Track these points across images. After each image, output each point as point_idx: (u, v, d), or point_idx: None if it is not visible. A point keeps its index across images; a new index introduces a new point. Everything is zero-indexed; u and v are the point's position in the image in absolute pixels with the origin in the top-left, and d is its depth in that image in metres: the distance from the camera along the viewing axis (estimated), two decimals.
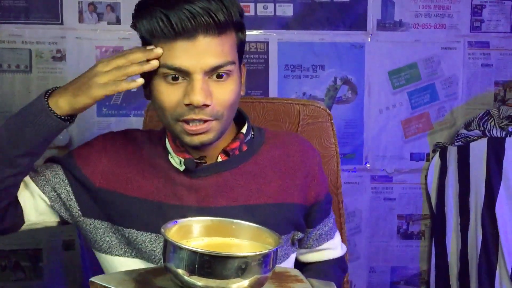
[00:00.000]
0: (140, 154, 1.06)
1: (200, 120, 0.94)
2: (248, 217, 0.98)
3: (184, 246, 0.62)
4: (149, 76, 0.97)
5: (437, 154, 2.13)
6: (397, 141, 2.17)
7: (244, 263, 0.62)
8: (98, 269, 1.05)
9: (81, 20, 1.99)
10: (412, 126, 2.17)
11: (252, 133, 1.09)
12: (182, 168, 1.02)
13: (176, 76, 0.93)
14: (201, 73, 0.92)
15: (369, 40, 2.11)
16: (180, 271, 0.63)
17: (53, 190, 1.01)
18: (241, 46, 0.99)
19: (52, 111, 0.92)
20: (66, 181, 1.02)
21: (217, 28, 0.91)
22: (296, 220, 1.07)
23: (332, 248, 1.17)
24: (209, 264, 0.61)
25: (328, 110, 1.32)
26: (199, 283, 0.62)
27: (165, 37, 0.91)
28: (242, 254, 0.63)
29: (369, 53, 2.11)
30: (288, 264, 1.09)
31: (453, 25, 2.14)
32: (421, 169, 2.18)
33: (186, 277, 0.62)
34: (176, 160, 1.03)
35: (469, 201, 1.95)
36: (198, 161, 1.02)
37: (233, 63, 0.95)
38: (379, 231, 2.19)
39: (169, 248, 0.63)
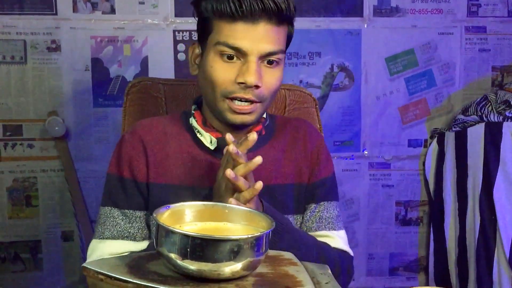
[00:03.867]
0: (164, 142, 1.08)
1: (247, 101, 0.99)
2: (271, 197, 1.05)
3: (176, 230, 0.62)
4: (203, 52, 1.03)
5: (435, 140, 2.13)
6: (395, 128, 2.17)
7: (237, 246, 0.62)
8: None
9: (75, 10, 1.98)
10: (409, 112, 2.16)
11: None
12: (213, 146, 1.06)
13: (232, 55, 0.98)
14: (257, 56, 0.98)
15: (365, 26, 2.10)
16: (172, 255, 0.62)
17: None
18: (289, 39, 1.05)
19: None
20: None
21: (278, 17, 0.98)
22: (300, 202, 1.11)
23: (333, 237, 1.15)
24: (201, 247, 0.61)
25: (313, 96, 1.32)
26: (192, 267, 0.62)
27: (230, 17, 0.96)
28: (234, 237, 0.63)
29: (366, 40, 2.10)
30: None
31: (450, 10, 2.12)
32: (419, 155, 2.18)
33: (179, 261, 0.62)
34: (206, 139, 1.07)
35: (467, 187, 1.94)
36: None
37: (284, 52, 1.02)
38: (377, 218, 2.19)
39: (161, 232, 0.63)
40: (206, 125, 1.08)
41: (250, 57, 0.97)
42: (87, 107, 2.04)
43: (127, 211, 1.04)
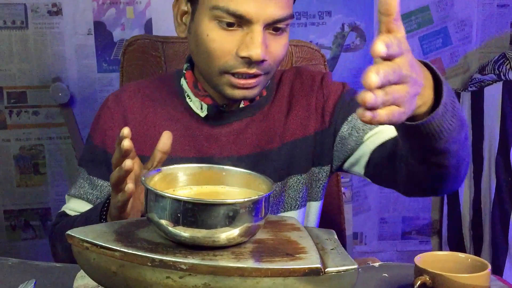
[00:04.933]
0: (151, 109, 0.98)
1: (250, 75, 0.87)
2: (269, 162, 0.96)
3: (166, 194, 0.56)
4: (193, 12, 0.89)
5: None
6: None
7: (232, 210, 0.56)
8: None
9: None
10: None
11: None
12: (203, 114, 0.96)
13: (232, 22, 0.85)
14: (262, 24, 0.84)
15: None
16: (163, 221, 0.57)
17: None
18: (294, 2, 0.92)
19: None
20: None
21: None
22: (317, 152, 0.99)
23: (385, 130, 0.96)
24: (194, 213, 0.55)
25: (321, 52, 1.24)
26: (184, 234, 0.56)
27: None
28: (229, 201, 0.57)
29: None
30: (306, 215, 1.01)
31: None
32: None
33: (170, 228, 0.56)
34: (196, 105, 0.96)
35: (483, 148, 1.88)
36: (220, 107, 0.95)
37: (292, 17, 0.89)
38: None
39: (150, 197, 0.57)
40: (197, 87, 0.96)
41: (255, 25, 0.84)
42: (91, 73, 2.00)
43: (91, 177, 0.97)
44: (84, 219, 0.86)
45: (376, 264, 0.91)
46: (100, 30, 1.95)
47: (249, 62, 0.86)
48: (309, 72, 1.05)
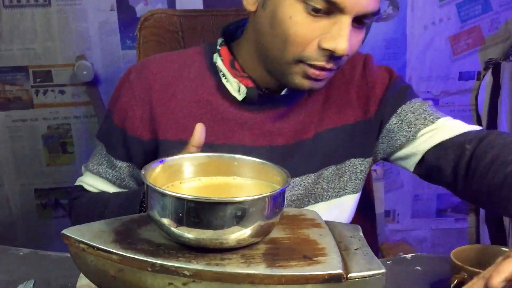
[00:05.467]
0: (178, 87, 0.88)
1: (326, 68, 0.78)
2: (303, 153, 0.88)
3: (166, 192, 0.49)
4: None
5: (489, 71, 1.94)
6: (444, 60, 1.95)
7: (240, 209, 0.49)
8: None
9: None
10: (461, 42, 1.94)
11: None
12: (240, 97, 0.85)
13: (320, 8, 0.75)
14: (353, 16, 0.75)
15: None
16: (165, 221, 0.50)
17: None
18: None
19: None
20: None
21: None
22: (357, 143, 0.92)
23: (443, 127, 0.87)
24: (197, 212, 0.49)
25: None
26: (189, 235, 0.50)
27: None
28: (236, 199, 0.50)
29: None
30: (341, 208, 0.94)
31: None
32: (471, 90, 1.98)
33: (173, 229, 0.50)
34: (233, 86, 0.86)
35: None
36: (260, 91, 0.86)
37: (379, 12, 0.79)
38: None
39: (150, 194, 0.51)
40: (234, 67, 0.86)
41: (345, 16, 0.74)
42: (115, 50, 1.94)
43: (110, 156, 0.90)
44: (117, 207, 0.81)
45: (408, 256, 0.83)
46: (123, 5, 1.89)
47: (330, 55, 0.76)
48: (350, 63, 0.95)
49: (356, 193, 0.95)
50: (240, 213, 0.49)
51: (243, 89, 0.85)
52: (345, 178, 0.93)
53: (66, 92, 1.97)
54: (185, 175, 0.59)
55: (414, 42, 1.93)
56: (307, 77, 0.79)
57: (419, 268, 0.79)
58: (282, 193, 0.53)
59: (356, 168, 0.93)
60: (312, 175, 0.90)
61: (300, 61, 0.78)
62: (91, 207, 0.89)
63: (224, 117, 0.87)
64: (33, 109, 1.98)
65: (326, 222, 0.60)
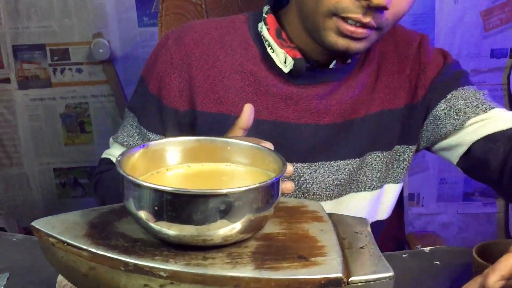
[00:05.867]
0: (219, 56, 0.82)
1: (362, 24, 0.71)
2: (349, 136, 0.82)
3: (140, 182, 0.43)
4: None
5: None
6: (475, 36, 1.83)
7: (226, 203, 0.42)
8: None
9: None
10: (493, 17, 1.82)
11: None
12: (287, 69, 0.79)
13: None
14: None
15: None
16: (142, 215, 0.44)
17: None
18: None
19: None
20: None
21: None
22: (404, 129, 0.85)
23: (496, 117, 0.80)
24: (176, 206, 0.42)
25: None
26: (168, 231, 0.43)
27: None
28: (220, 191, 0.43)
29: None
30: (381, 198, 0.87)
31: None
32: (503, 68, 1.86)
33: (151, 223, 0.44)
34: (279, 56, 0.79)
35: None
36: (308, 64, 0.79)
37: None
38: None
39: (125, 184, 0.45)
40: (281, 37, 0.79)
41: None
42: (132, 27, 1.89)
43: (142, 128, 0.83)
44: None
45: (427, 249, 0.75)
46: None
47: (366, 6, 0.69)
48: (405, 33, 0.87)
49: (398, 183, 0.88)
50: (225, 206, 0.43)
51: (290, 61, 0.78)
52: (390, 166, 0.86)
53: (83, 70, 1.94)
54: (172, 161, 0.52)
55: (443, 17, 1.82)
56: (341, 34, 0.72)
57: (438, 262, 0.71)
58: (276, 183, 0.46)
59: (400, 156, 0.86)
60: (357, 159, 0.84)
61: (335, 14, 0.71)
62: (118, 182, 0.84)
63: (267, 91, 0.80)
64: (51, 88, 1.95)
65: (330, 215, 0.53)
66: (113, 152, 0.88)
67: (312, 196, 0.84)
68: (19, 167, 1.99)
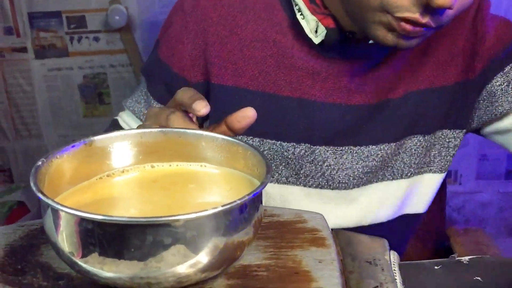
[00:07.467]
0: (239, 22, 0.69)
1: (420, 24, 0.56)
2: (385, 117, 0.69)
3: (55, 206, 0.30)
4: None
5: None
6: None
7: (174, 234, 0.29)
8: None
9: None
10: None
11: None
12: (317, 39, 0.66)
13: None
14: None
15: None
16: (65, 249, 0.31)
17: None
18: None
19: None
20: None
21: None
22: (454, 110, 0.71)
23: None
24: (108, 239, 0.29)
25: None
26: (100, 272, 0.30)
27: None
28: (171, 218, 0.29)
29: None
30: (419, 187, 0.75)
31: None
32: None
33: (78, 261, 0.31)
34: (310, 24, 0.66)
35: None
36: (342, 35, 0.66)
37: None
38: None
39: (41, 203, 0.31)
40: (314, 1, 0.65)
41: None
42: None
43: (149, 94, 0.73)
44: None
45: (466, 259, 0.60)
46: None
47: (425, 6, 0.54)
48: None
49: (442, 172, 0.74)
50: (175, 237, 0.29)
51: (322, 30, 0.64)
52: (433, 153, 0.72)
53: (100, 39, 1.82)
54: (129, 160, 0.39)
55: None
56: (393, 30, 0.57)
57: (479, 278, 0.56)
58: (256, 198, 0.32)
59: (449, 142, 0.72)
60: (392, 144, 0.71)
61: (388, 11, 0.56)
62: None
63: (293, 64, 0.67)
64: (68, 57, 1.86)
65: (336, 232, 0.39)
66: (123, 115, 0.78)
67: (337, 184, 0.71)
68: (39, 139, 1.92)
